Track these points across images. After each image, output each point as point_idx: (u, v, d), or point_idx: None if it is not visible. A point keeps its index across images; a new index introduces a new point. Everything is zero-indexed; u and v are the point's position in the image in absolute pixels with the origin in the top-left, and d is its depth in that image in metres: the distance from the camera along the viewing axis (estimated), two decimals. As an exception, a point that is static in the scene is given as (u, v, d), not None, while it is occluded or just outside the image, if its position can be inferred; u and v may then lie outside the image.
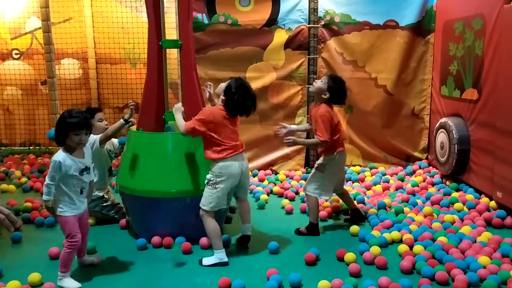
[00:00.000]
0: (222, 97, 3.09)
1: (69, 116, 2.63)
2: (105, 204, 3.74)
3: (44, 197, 2.66)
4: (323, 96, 3.44)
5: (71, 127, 2.61)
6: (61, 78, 6.17)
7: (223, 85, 3.13)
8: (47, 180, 2.63)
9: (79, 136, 2.62)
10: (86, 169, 2.72)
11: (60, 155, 2.64)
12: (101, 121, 3.81)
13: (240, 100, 3.03)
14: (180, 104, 3.23)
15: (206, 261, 3.03)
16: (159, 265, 3.05)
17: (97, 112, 3.81)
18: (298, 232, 3.55)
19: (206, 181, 3.09)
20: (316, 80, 3.62)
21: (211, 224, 3.06)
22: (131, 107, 3.46)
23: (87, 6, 6.07)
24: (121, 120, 3.48)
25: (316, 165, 3.52)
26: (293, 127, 3.74)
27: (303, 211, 3.98)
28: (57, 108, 4.91)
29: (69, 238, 2.70)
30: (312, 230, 3.53)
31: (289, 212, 4.07)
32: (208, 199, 3.06)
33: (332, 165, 3.48)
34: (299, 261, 3.07)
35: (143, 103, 3.50)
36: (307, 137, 3.67)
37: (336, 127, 3.48)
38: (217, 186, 3.06)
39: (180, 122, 3.11)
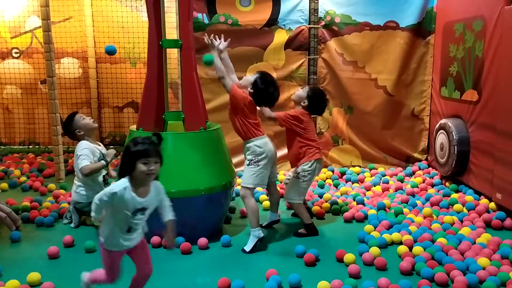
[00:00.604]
0: (249, 89, 3.29)
1: (135, 144, 2.26)
2: None
3: (92, 213, 2.32)
4: (302, 104, 3.57)
5: (138, 156, 2.22)
6: (61, 77, 6.16)
7: (250, 78, 3.33)
8: (96, 198, 2.28)
9: (148, 166, 2.22)
10: (143, 209, 2.30)
11: (121, 185, 2.23)
12: (84, 119, 3.81)
13: (268, 92, 3.29)
14: (220, 44, 3.41)
15: (247, 247, 3.23)
16: (158, 265, 3.04)
17: (75, 115, 3.81)
18: (297, 234, 3.55)
19: (247, 162, 3.33)
20: (298, 89, 3.70)
21: (252, 203, 3.30)
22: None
23: (87, 5, 6.05)
24: (103, 161, 3.69)
25: (295, 175, 3.54)
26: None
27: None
28: (57, 108, 4.89)
29: (105, 272, 2.39)
30: (311, 230, 3.55)
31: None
32: (252, 177, 3.29)
33: (311, 174, 3.53)
34: (299, 261, 3.08)
35: (143, 103, 3.50)
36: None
37: (306, 130, 3.52)
38: (259, 163, 3.29)
39: (223, 70, 3.31)
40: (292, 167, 3.67)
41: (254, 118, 3.35)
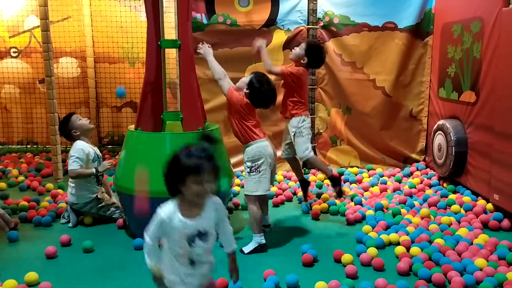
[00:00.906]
0: (245, 90, 3.29)
1: (187, 156, 1.80)
2: (100, 205, 3.74)
3: (146, 259, 1.92)
4: (302, 61, 3.70)
5: (189, 172, 1.77)
6: (59, 77, 6.15)
7: (245, 79, 3.33)
8: (145, 237, 1.89)
9: (201, 186, 1.78)
10: (201, 234, 1.86)
11: (166, 210, 1.86)
12: (81, 120, 3.82)
13: (263, 92, 3.26)
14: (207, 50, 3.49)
15: (247, 249, 3.24)
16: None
17: (72, 115, 3.83)
18: (339, 194, 3.87)
19: (247, 170, 3.28)
20: (295, 48, 3.86)
21: (255, 209, 3.26)
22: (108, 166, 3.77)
23: (86, 5, 6.05)
24: (93, 169, 3.70)
25: (293, 133, 3.74)
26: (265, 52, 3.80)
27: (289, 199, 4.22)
28: (55, 107, 4.88)
29: None
30: (336, 179, 3.84)
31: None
32: (256, 185, 3.25)
33: (306, 127, 3.76)
34: (296, 262, 3.08)
35: (141, 103, 3.50)
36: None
37: (301, 89, 3.75)
38: (260, 169, 3.25)
39: (221, 72, 3.39)
40: (282, 115, 3.90)
41: (252, 120, 3.31)
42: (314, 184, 4.78)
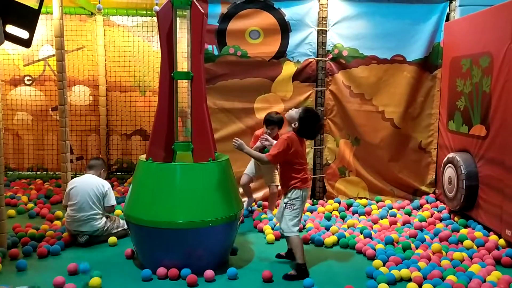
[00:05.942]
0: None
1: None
2: (111, 224, 4.04)
3: None
4: (292, 125, 3.40)
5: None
6: (71, 105, 6.25)
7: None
8: None
9: None
10: None
11: None
12: None
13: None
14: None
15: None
16: (164, 297, 3.01)
17: None
18: (287, 277, 3.32)
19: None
20: (292, 109, 3.54)
21: None
22: None
23: (100, 35, 6.20)
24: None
25: (284, 204, 3.41)
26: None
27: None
28: (67, 135, 4.93)
29: None
30: (302, 271, 3.32)
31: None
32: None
33: (300, 201, 3.41)
34: (306, 297, 3.03)
35: (153, 133, 3.53)
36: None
37: (295, 158, 3.37)
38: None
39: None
40: (283, 191, 3.52)
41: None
42: (323, 215, 4.74)
